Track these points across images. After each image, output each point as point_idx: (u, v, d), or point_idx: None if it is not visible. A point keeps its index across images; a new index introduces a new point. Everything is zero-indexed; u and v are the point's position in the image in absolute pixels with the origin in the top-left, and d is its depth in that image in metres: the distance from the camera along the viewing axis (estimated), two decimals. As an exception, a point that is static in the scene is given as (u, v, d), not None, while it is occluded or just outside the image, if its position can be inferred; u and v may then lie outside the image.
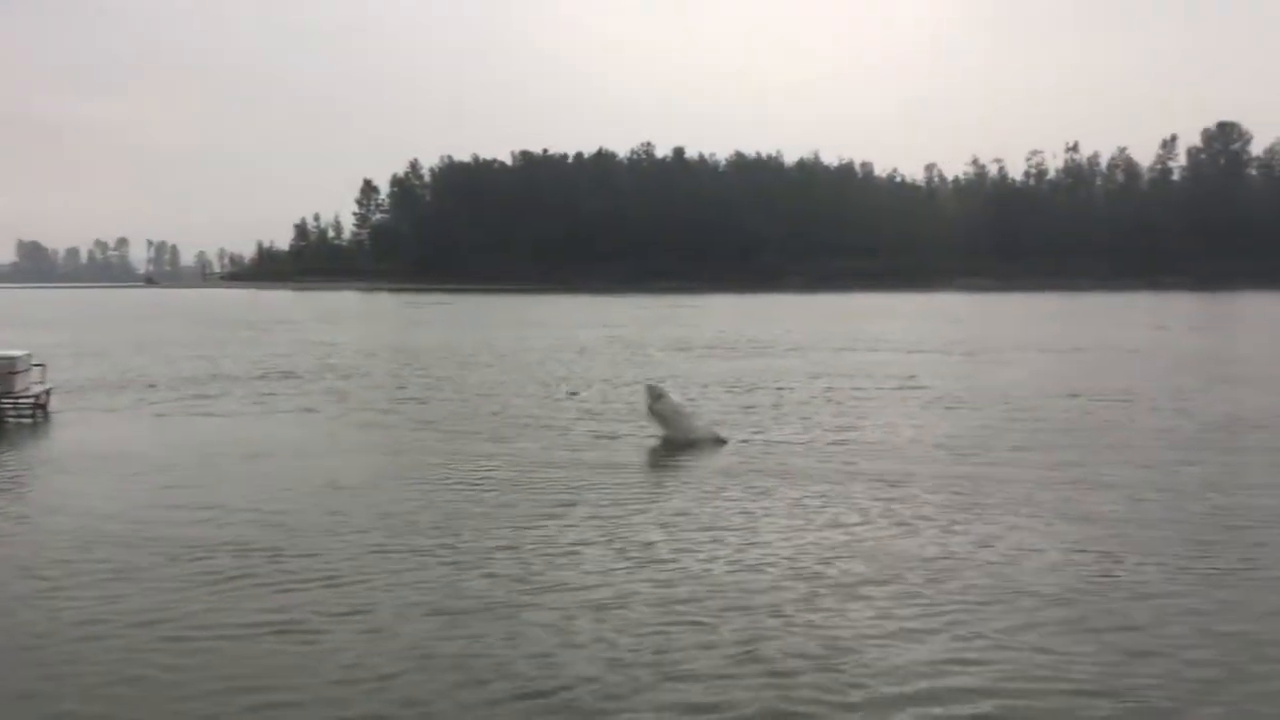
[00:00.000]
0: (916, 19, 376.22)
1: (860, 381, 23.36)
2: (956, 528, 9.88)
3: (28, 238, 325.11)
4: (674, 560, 8.75)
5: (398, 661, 6.53)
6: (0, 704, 5.95)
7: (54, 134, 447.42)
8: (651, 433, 15.08)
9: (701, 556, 8.88)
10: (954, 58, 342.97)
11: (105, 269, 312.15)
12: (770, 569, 8.53)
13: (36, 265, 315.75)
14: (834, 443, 14.83)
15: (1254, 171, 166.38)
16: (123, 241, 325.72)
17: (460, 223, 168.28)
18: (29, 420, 17.51)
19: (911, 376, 24.57)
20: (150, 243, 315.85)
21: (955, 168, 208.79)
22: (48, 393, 18.35)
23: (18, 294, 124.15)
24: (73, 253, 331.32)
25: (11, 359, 17.55)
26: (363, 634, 7.01)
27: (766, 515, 10.42)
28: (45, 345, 31.14)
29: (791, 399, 20.11)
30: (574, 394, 19.27)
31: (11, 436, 16.22)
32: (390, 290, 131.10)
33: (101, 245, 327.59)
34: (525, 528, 9.86)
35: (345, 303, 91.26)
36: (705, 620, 7.27)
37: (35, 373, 18.37)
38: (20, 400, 17.67)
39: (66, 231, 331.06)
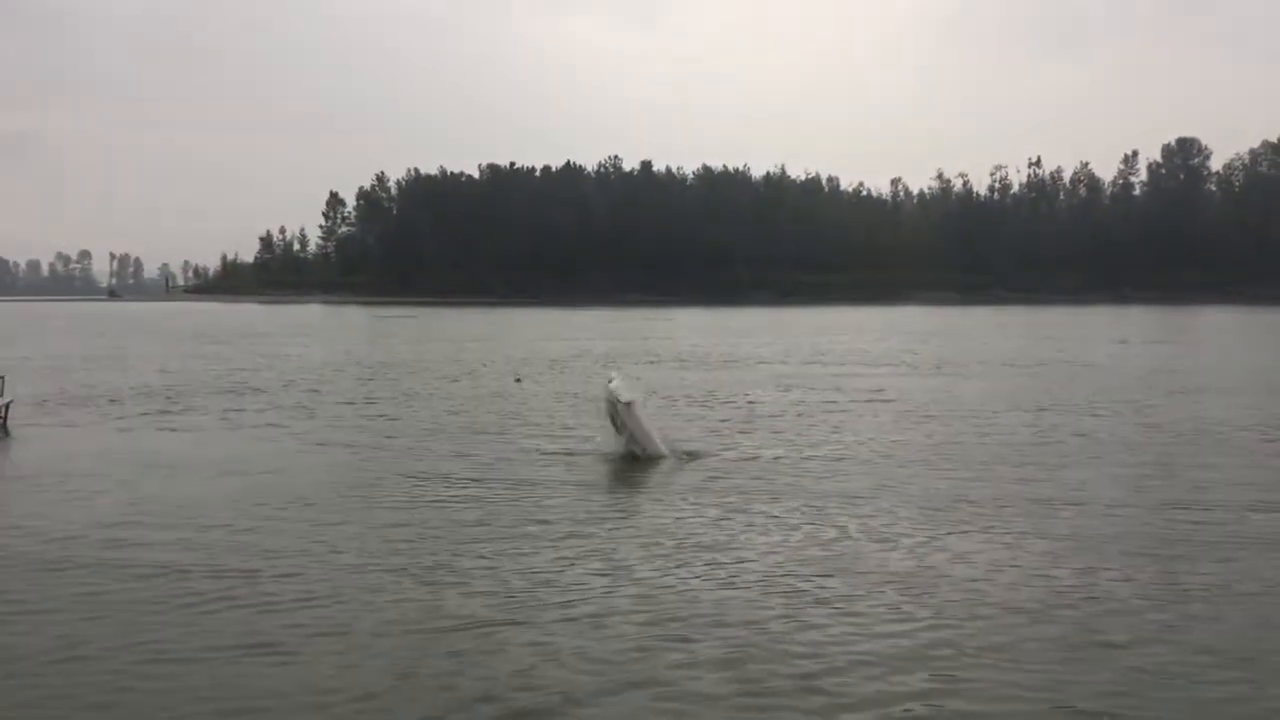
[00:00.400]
0: (883, 35, 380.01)
1: (830, 395, 23.49)
2: (931, 542, 9.95)
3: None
4: (651, 577, 8.75)
5: (378, 680, 6.48)
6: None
7: (14, 145, 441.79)
8: (611, 445, 14.91)
9: (679, 573, 8.88)
10: (920, 74, 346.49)
11: (67, 282, 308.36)
12: (747, 585, 8.54)
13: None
14: (806, 457, 14.88)
15: (1213, 187, 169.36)
16: (85, 254, 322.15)
17: (427, 236, 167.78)
18: None
19: (879, 390, 24.75)
20: (113, 255, 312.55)
21: (920, 182, 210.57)
22: (7, 406, 18.06)
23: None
24: (33, 265, 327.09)
25: None
26: (341, 653, 6.95)
27: (743, 531, 10.44)
28: (4, 359, 30.76)
29: (763, 412, 20.18)
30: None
31: None
32: (356, 303, 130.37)
33: (63, 258, 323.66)
34: (502, 545, 9.82)
35: (311, 316, 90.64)
36: (687, 636, 7.26)
37: None
38: None
39: (27, 244, 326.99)
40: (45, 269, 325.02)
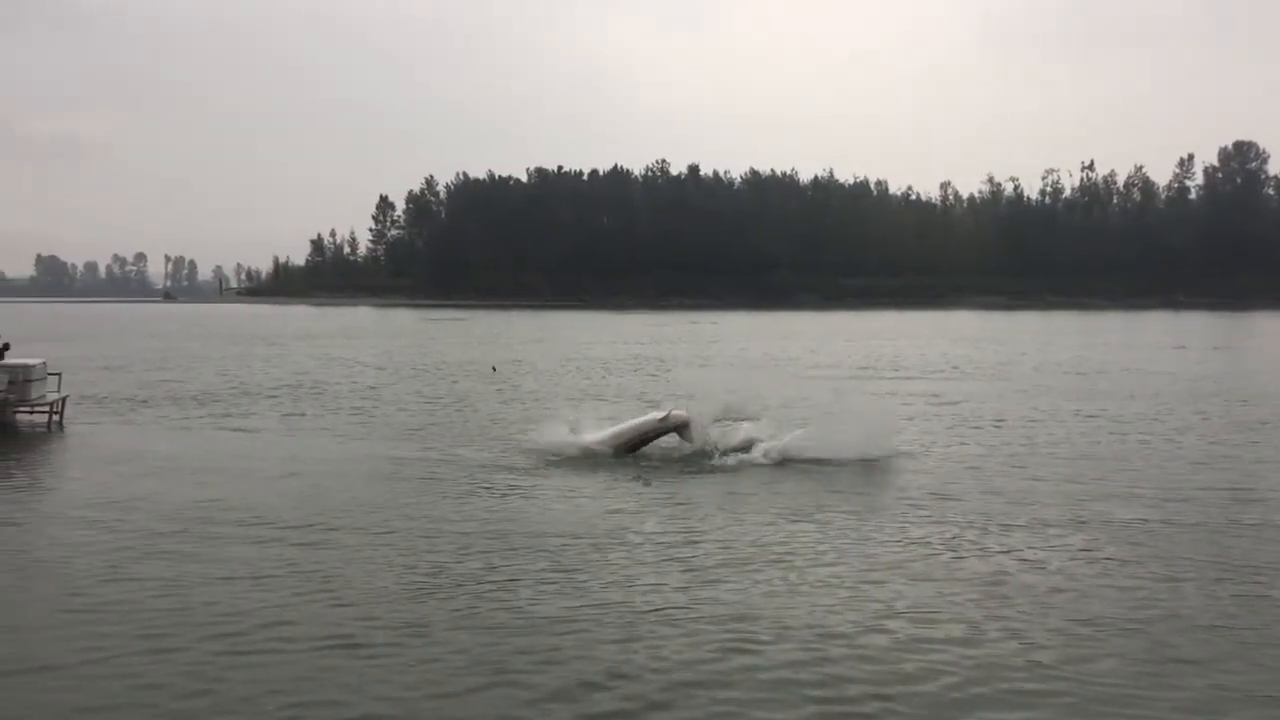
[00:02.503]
0: (933, 37, 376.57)
1: (885, 400, 23.27)
2: (1003, 550, 9.82)
3: (46, 253, 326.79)
4: (726, 578, 8.72)
5: (455, 676, 6.53)
6: (78, 714, 5.95)
7: (73, 150, 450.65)
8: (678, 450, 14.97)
9: (754, 576, 8.85)
10: (970, 76, 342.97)
11: (123, 284, 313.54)
12: (816, 590, 8.50)
13: (55, 280, 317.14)
14: (863, 463, 14.77)
15: (1271, 191, 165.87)
16: (140, 256, 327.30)
17: (475, 239, 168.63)
18: (44, 428, 17.56)
19: (935, 395, 24.53)
20: (168, 258, 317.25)
21: (971, 186, 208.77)
22: (63, 401, 18.38)
23: (36, 308, 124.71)
24: (91, 267, 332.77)
25: (28, 366, 17.66)
26: (418, 649, 7.01)
27: (810, 537, 10.40)
28: (64, 358, 31.33)
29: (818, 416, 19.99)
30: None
31: (32, 443, 16.27)
32: (405, 306, 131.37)
33: (119, 260, 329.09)
34: (577, 547, 9.82)
35: (362, 318, 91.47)
36: (760, 638, 7.23)
37: (51, 381, 18.44)
38: (36, 407, 17.76)
39: (85, 246, 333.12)
40: (102, 271, 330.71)
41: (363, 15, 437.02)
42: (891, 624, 7.66)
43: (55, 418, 17.94)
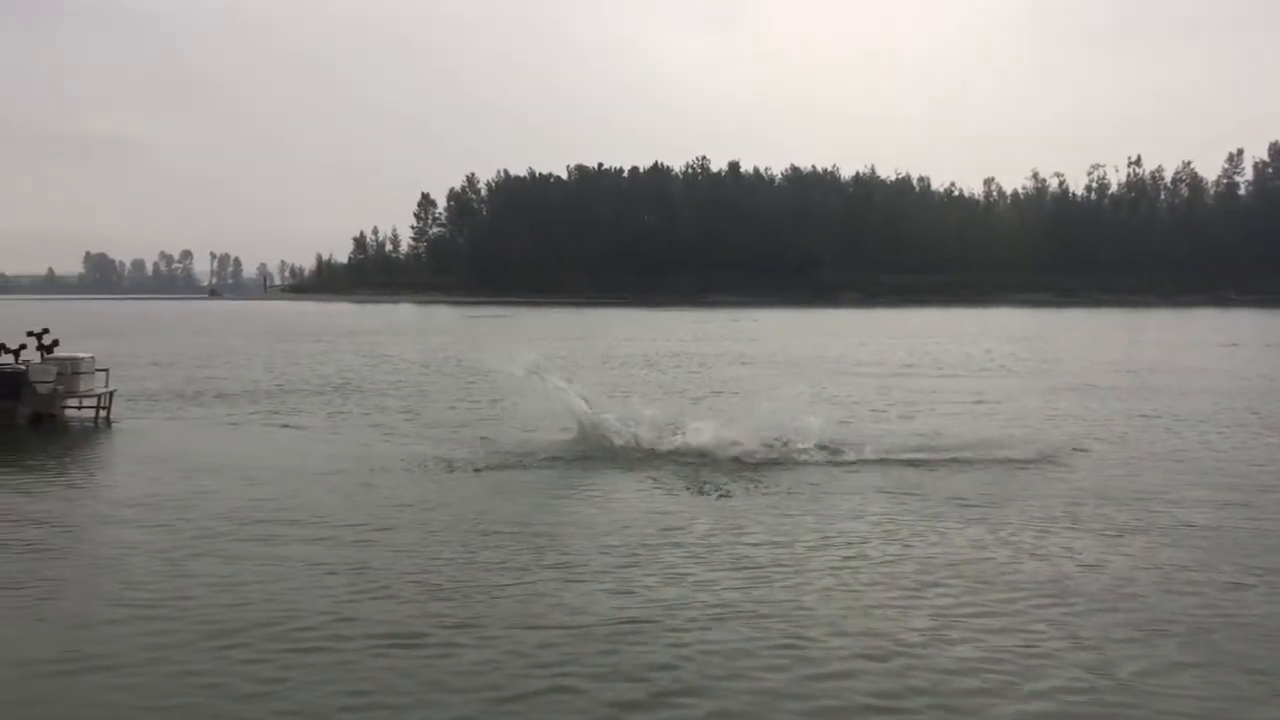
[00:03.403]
0: (975, 31, 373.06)
1: (933, 398, 23.06)
2: (1061, 553, 9.68)
3: (95, 250, 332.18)
4: (776, 580, 8.65)
5: (511, 676, 6.51)
6: (139, 713, 6.00)
7: (121, 149, 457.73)
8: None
9: (811, 575, 8.77)
10: (1015, 71, 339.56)
11: (170, 281, 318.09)
12: (875, 589, 8.41)
13: (104, 277, 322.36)
14: (912, 461, 14.66)
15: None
16: (187, 254, 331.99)
17: (515, 236, 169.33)
18: (92, 423, 17.77)
19: (980, 393, 24.28)
20: (213, 255, 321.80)
21: (1015, 182, 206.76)
22: (110, 395, 18.60)
23: (85, 305, 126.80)
24: (138, 265, 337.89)
25: (76, 359, 17.89)
26: (475, 647, 7.01)
27: (865, 535, 10.29)
28: (113, 354, 31.71)
29: (863, 414, 19.88)
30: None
31: (81, 438, 16.47)
32: (446, 303, 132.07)
33: (166, 258, 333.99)
34: (621, 545, 9.81)
35: (404, 315, 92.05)
36: (820, 641, 7.16)
37: (99, 376, 18.66)
38: (84, 401, 17.99)
39: (132, 245, 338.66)
40: (149, 268, 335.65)
41: (406, 14, 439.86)
42: (948, 628, 7.55)
43: (103, 412, 18.14)
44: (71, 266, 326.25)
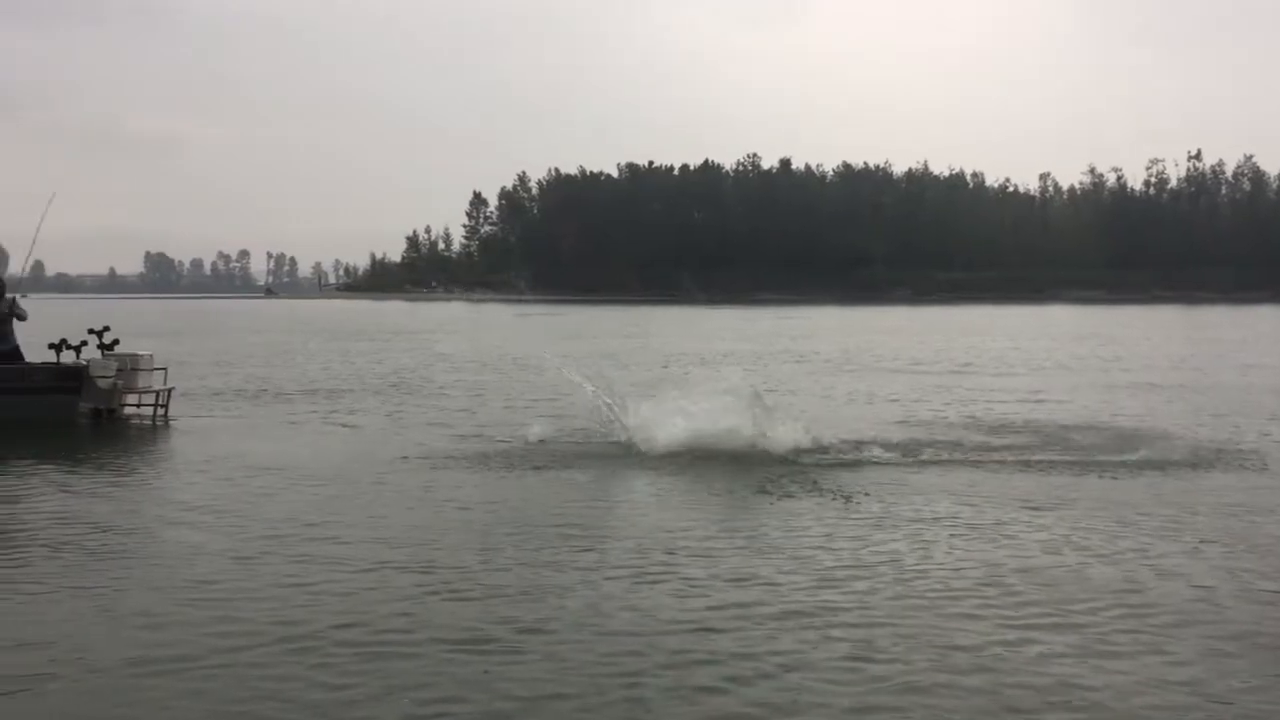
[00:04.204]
0: (1029, 24, 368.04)
1: (993, 396, 22.73)
2: (1137, 558, 9.44)
3: (155, 250, 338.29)
4: (843, 583, 8.53)
5: (581, 680, 6.46)
6: (211, 716, 6.04)
7: (178, 151, 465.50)
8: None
9: (874, 581, 8.63)
10: (1069, 64, 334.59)
11: (228, 280, 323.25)
12: (942, 597, 8.25)
13: (164, 276, 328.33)
14: (973, 461, 14.44)
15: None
16: (244, 253, 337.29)
17: (566, 235, 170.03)
18: (150, 420, 17.98)
19: (1038, 391, 23.92)
20: (269, 255, 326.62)
21: (1071, 177, 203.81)
22: (168, 392, 18.81)
23: (145, 304, 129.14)
24: (197, 264, 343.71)
25: (135, 356, 18.10)
26: (545, 649, 6.98)
27: (927, 542, 10.12)
28: (173, 352, 32.18)
29: (923, 415, 19.62)
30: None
31: (141, 436, 16.63)
32: (498, 301, 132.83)
33: (224, 257, 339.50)
34: (686, 546, 9.71)
35: (457, 313, 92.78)
36: (882, 649, 7.04)
37: (158, 374, 18.89)
38: (143, 398, 18.20)
39: (191, 244, 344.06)
40: (208, 268, 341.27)
41: (457, 15, 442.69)
42: (1018, 634, 7.38)
43: (161, 409, 18.34)
44: (132, 266, 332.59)
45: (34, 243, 20.23)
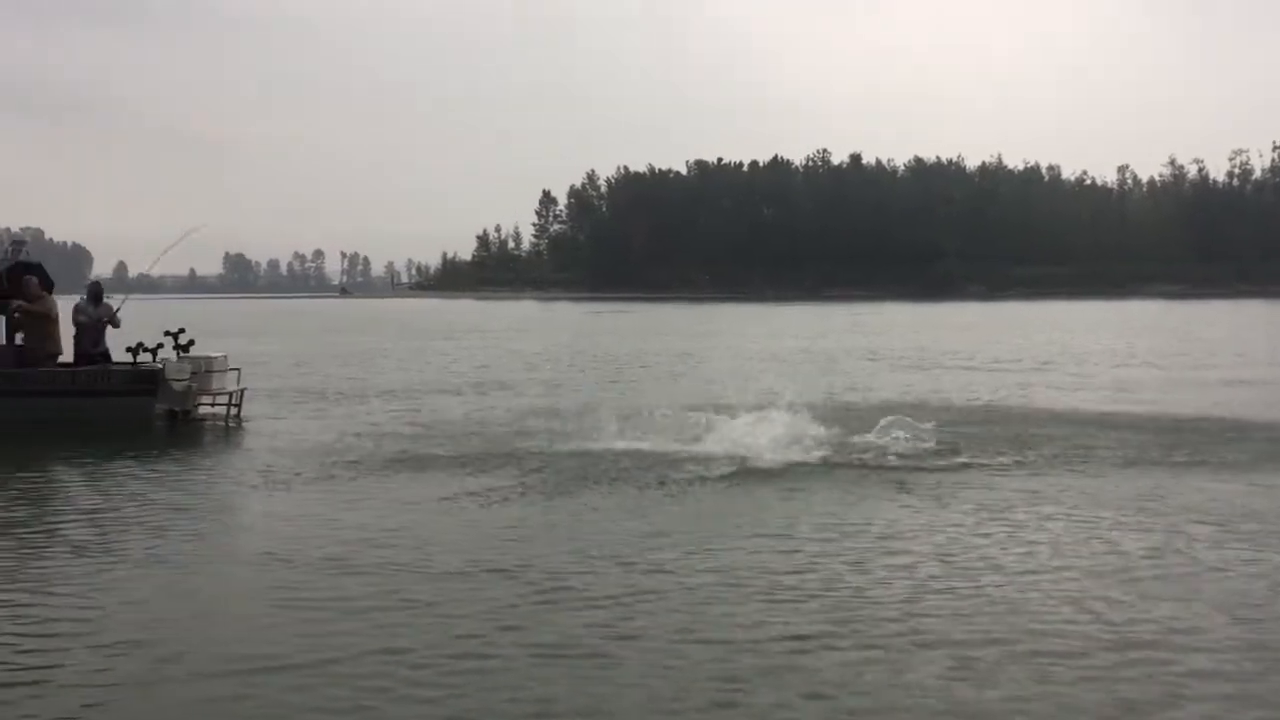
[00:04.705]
0: (1106, 14, 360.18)
1: (1077, 396, 22.19)
2: (1248, 570, 9.04)
3: (233, 251, 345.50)
4: (941, 590, 8.31)
5: (669, 689, 6.36)
6: (310, 715, 6.05)
7: (256, 153, 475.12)
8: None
9: (974, 585, 8.41)
10: (1147, 54, 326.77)
11: (303, 280, 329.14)
12: (1037, 603, 8.02)
13: (241, 277, 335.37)
14: (1061, 458, 14.12)
15: None
16: (319, 254, 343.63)
17: (635, 232, 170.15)
18: (224, 421, 18.21)
19: (1123, 390, 23.28)
20: (344, 255, 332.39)
21: (1151, 169, 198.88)
22: (242, 394, 19.03)
23: (224, 304, 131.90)
24: (274, 265, 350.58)
25: (209, 358, 18.35)
26: (637, 657, 6.90)
27: (1020, 542, 9.85)
28: (251, 352, 32.71)
29: (1008, 411, 19.17)
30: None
31: (219, 437, 16.78)
32: (567, 299, 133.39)
33: (300, 257, 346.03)
34: (790, 554, 9.52)
35: (527, 312, 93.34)
36: (981, 661, 6.84)
37: (231, 375, 19.13)
38: (217, 399, 18.45)
39: (268, 244, 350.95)
40: (284, 268, 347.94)
41: (525, 14, 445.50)
42: (1123, 645, 7.11)
43: (234, 409, 18.57)
44: (211, 267, 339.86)
45: (157, 261, 20.48)
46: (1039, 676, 6.59)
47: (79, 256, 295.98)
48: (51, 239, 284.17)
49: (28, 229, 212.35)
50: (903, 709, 6.14)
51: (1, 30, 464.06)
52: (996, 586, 8.48)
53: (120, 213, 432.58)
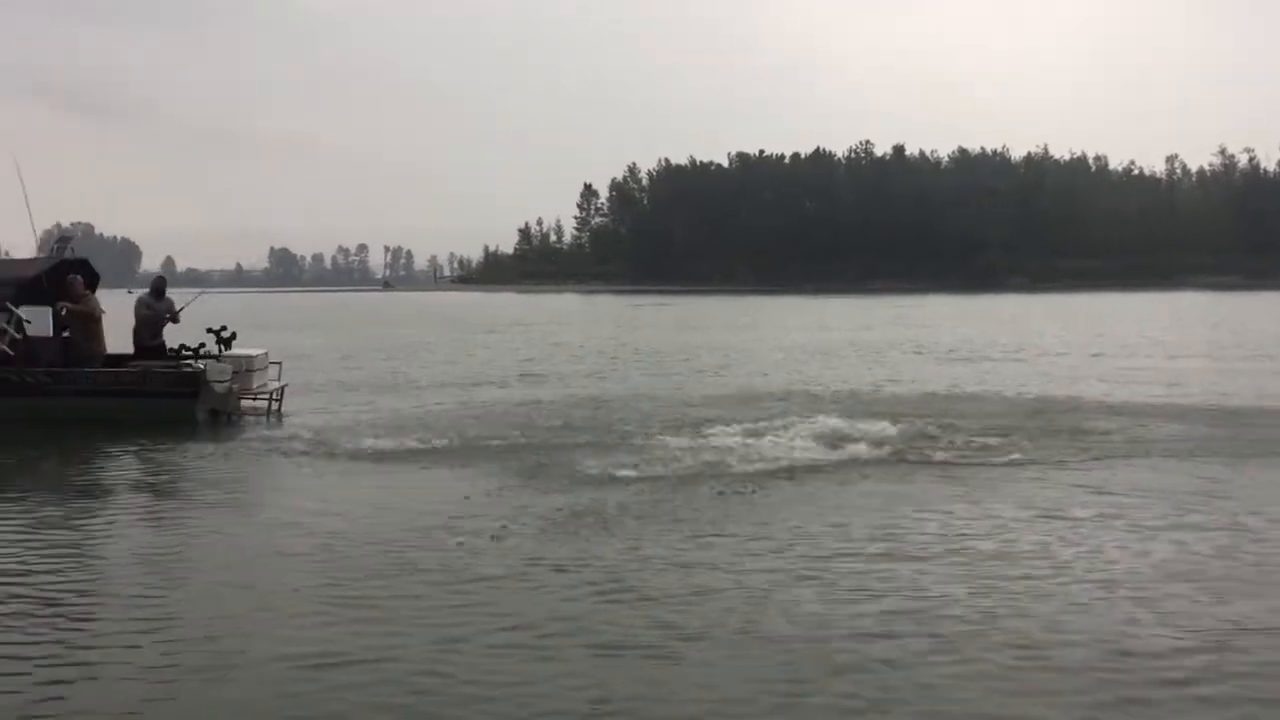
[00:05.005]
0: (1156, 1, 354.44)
1: (1133, 390, 21.81)
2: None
3: (279, 245, 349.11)
4: (1004, 587, 8.13)
5: (738, 686, 6.27)
6: (368, 712, 6.01)
7: (300, 149, 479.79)
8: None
9: (1033, 581, 8.23)
10: (1195, 43, 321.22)
11: (346, 274, 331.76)
12: (1103, 599, 7.84)
13: (287, 271, 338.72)
14: (1130, 453, 13.83)
15: None
16: (362, 248, 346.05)
17: (677, 225, 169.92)
18: (265, 417, 18.27)
19: (1175, 384, 22.84)
20: (387, 248, 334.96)
21: (1201, 159, 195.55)
22: (282, 390, 19.15)
23: (270, 298, 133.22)
24: (318, 259, 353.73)
25: (250, 356, 18.45)
26: (702, 653, 6.81)
27: (1080, 537, 9.65)
28: (301, 345, 32.90)
29: (1060, 404, 18.85)
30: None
31: (259, 433, 16.72)
32: (609, 292, 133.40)
33: (344, 251, 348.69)
34: (853, 553, 9.36)
35: (570, 304, 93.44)
36: (1052, 658, 6.67)
37: (272, 370, 19.23)
38: (258, 395, 18.56)
39: (312, 239, 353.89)
40: (328, 262, 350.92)
41: (563, 10, 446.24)
42: (1195, 644, 6.92)
43: (275, 406, 18.69)
44: (257, 261, 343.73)
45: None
46: (1112, 673, 6.43)
47: (129, 251, 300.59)
48: (101, 234, 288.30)
49: (78, 224, 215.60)
50: (969, 702, 6.03)
51: (54, 32, 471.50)
52: (1061, 584, 8.29)
53: (169, 208, 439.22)
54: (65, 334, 18.33)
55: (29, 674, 6.55)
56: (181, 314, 18.96)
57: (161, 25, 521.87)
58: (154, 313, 18.62)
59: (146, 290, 19.56)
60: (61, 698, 6.25)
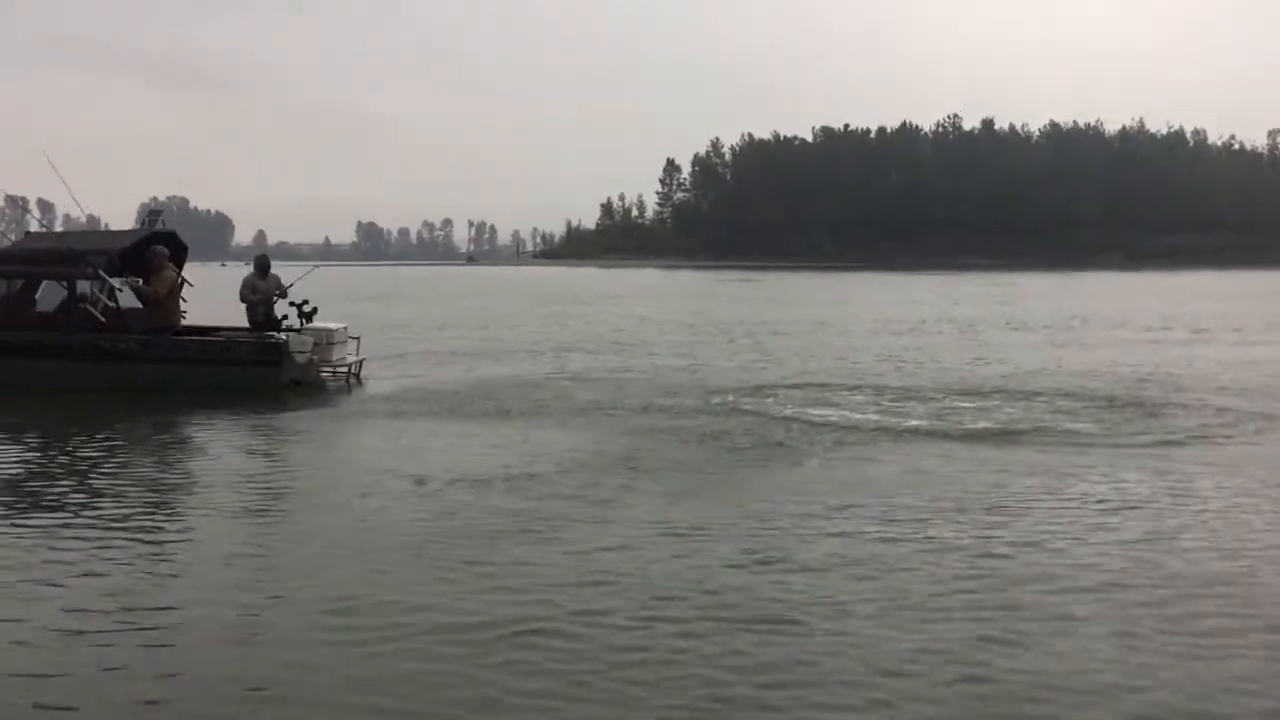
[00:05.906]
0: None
1: (1245, 369, 21.08)
2: None
3: (366, 219, 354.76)
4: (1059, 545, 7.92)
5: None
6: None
7: (387, 124, 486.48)
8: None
9: (1143, 577, 7.99)
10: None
11: (431, 248, 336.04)
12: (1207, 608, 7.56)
13: (374, 244, 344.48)
14: (1248, 432, 13.37)
15: None
16: (447, 222, 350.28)
17: (760, 200, 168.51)
18: (345, 388, 18.60)
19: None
20: (471, 223, 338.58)
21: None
22: (360, 363, 19.56)
23: (358, 271, 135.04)
24: (404, 233, 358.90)
25: (330, 330, 18.76)
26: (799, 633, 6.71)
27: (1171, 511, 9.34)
28: (392, 317, 33.19)
29: (1164, 384, 18.28)
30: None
31: (340, 406, 16.94)
32: (691, 268, 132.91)
33: (429, 225, 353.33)
34: (939, 515, 9.25)
35: (652, 279, 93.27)
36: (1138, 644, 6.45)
37: (351, 344, 19.52)
38: (337, 369, 18.89)
39: (399, 213, 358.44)
40: (414, 236, 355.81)
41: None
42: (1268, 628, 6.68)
43: (354, 379, 19.05)
44: (345, 234, 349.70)
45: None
46: (1231, 657, 6.23)
47: (222, 224, 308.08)
48: (195, 208, 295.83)
49: (173, 198, 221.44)
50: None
51: (155, 10, 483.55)
52: (1187, 563, 8.03)
53: (262, 182, 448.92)
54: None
55: (155, 638, 6.62)
56: (292, 288, 19.49)
57: (261, 2, 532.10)
58: (261, 294, 19.27)
59: (249, 267, 20.29)
60: (191, 663, 6.25)
